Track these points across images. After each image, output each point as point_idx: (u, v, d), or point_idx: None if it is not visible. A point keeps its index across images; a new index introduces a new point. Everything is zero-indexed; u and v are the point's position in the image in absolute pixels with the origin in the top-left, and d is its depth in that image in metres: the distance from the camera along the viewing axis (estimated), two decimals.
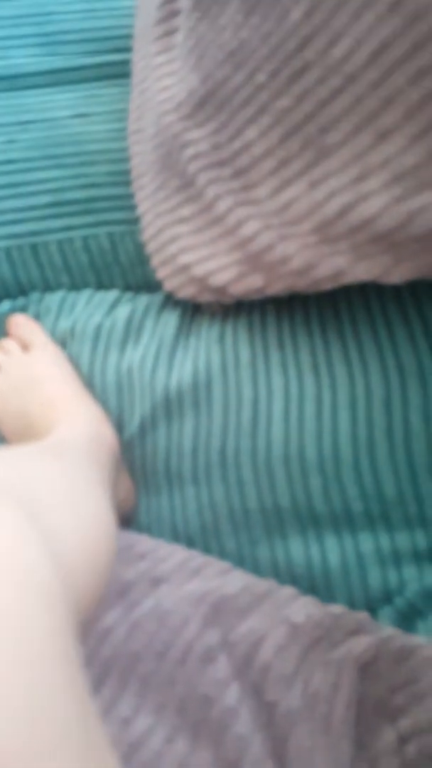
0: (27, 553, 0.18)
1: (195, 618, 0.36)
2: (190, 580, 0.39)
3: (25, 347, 0.46)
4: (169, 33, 0.44)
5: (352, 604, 0.37)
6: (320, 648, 0.33)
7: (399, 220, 0.30)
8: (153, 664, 0.35)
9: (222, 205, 0.38)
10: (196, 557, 0.40)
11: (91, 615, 0.28)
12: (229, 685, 0.32)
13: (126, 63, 0.56)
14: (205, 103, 0.38)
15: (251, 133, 0.35)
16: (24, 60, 0.58)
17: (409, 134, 0.29)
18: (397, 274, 0.32)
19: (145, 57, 0.49)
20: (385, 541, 0.37)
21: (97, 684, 0.34)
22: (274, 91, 0.33)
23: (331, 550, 0.38)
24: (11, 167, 0.50)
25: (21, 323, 0.47)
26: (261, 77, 0.34)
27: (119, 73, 0.56)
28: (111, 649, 0.35)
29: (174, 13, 0.44)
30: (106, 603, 0.37)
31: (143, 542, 0.41)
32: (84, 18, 0.60)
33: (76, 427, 0.39)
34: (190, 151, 0.39)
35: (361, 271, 0.33)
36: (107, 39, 0.58)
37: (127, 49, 0.56)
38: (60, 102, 0.55)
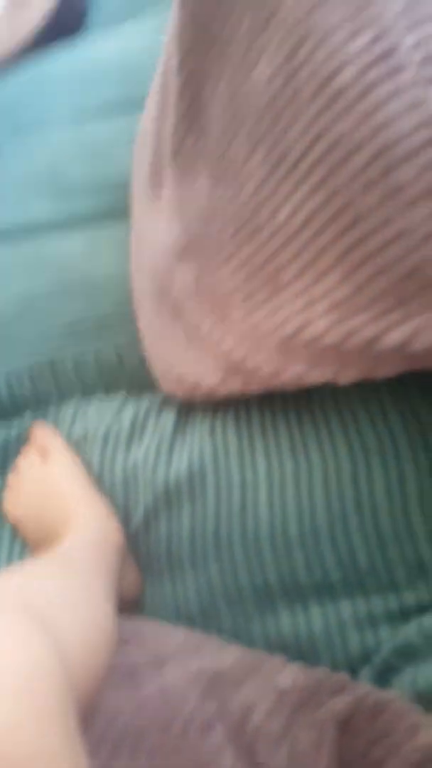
0: (37, 649, 0.23)
1: (194, 693, 0.40)
2: (191, 658, 0.43)
3: (43, 453, 0.53)
4: (158, 196, 0.56)
5: (335, 667, 0.41)
6: (306, 709, 0.36)
7: (339, 338, 0.38)
8: (158, 737, 0.38)
9: (205, 327, 0.47)
10: (195, 636, 0.44)
11: (91, 701, 0.33)
12: (224, 750, 0.36)
13: (122, 203, 0.64)
14: (187, 248, 0.49)
15: (223, 272, 0.44)
16: (39, 210, 0.68)
17: (340, 274, 0.38)
18: (345, 377, 0.40)
19: (140, 207, 0.61)
20: (362, 606, 0.42)
21: (110, 758, 0.37)
22: (237, 242, 0.43)
23: (316, 619, 0.43)
24: (33, 302, 0.60)
25: (40, 433, 0.55)
26: (227, 232, 0.44)
27: (118, 212, 0.65)
28: (122, 725, 0.39)
29: (161, 181, 0.56)
30: (117, 685, 0.41)
31: (148, 626, 0.46)
32: (86, 169, 0.70)
33: (83, 533, 0.45)
34: (178, 285, 0.49)
35: (317, 375, 0.41)
36: (107, 185, 0.68)
37: (123, 192, 0.64)
38: (70, 241, 0.66)
